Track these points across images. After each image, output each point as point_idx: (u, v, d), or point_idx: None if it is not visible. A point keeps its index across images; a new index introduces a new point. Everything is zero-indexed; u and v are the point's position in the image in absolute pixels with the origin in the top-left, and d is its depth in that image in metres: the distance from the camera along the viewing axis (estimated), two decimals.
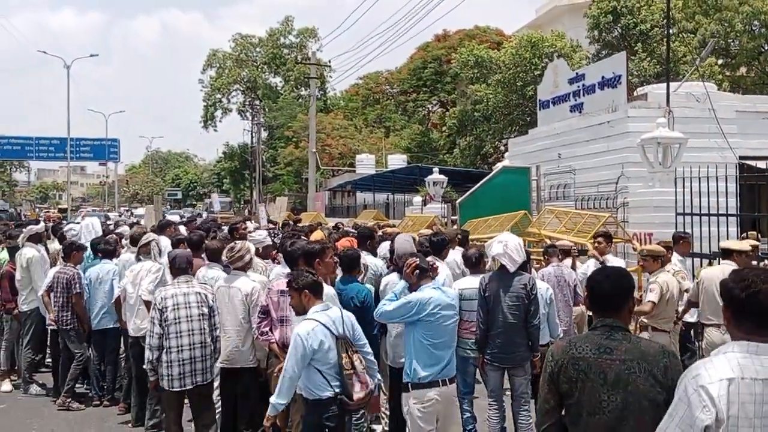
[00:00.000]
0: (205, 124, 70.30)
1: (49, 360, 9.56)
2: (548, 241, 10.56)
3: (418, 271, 5.51)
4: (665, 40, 19.81)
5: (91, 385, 8.68)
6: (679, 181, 11.02)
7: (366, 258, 7.56)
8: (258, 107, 65.47)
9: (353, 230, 11.06)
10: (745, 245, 7.79)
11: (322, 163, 43.48)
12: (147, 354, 6.09)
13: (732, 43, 28.19)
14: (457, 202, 16.88)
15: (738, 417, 2.55)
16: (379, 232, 10.47)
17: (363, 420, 6.48)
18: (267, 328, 6.05)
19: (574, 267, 8.91)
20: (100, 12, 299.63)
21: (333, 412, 4.95)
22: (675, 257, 8.87)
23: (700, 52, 22.65)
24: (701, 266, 10.09)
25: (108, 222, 22.21)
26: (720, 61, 28.01)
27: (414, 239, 7.95)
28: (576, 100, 18.39)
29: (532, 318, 6.45)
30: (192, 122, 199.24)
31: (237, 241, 7.22)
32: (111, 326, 8.44)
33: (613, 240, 10.28)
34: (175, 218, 16.74)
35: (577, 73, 19.05)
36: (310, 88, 40.68)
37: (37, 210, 51.15)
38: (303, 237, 9.35)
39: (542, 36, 30.53)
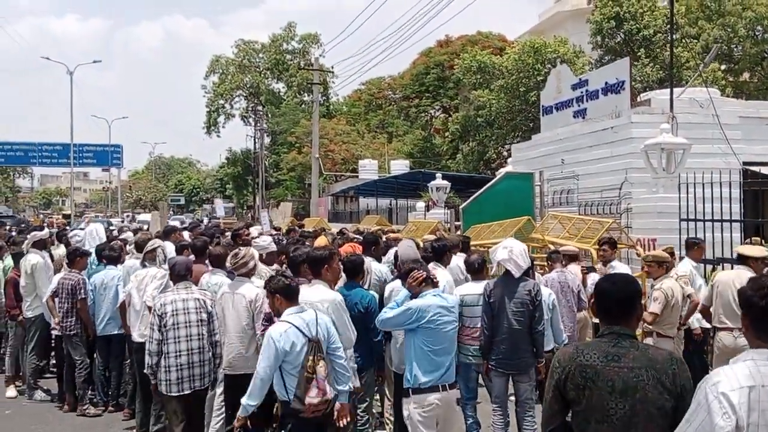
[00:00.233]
0: (208, 129, 70.38)
1: (54, 366, 9.57)
2: (552, 247, 10.56)
3: (420, 281, 5.62)
4: (668, 45, 19.83)
5: (95, 391, 8.69)
6: (682, 187, 11.02)
7: (371, 264, 7.57)
8: (261, 113, 65.54)
9: (357, 236, 11.06)
10: (763, 252, 7.81)
11: (324, 168, 43.51)
12: (146, 359, 6.23)
13: (735, 49, 28.21)
14: (461, 207, 16.86)
15: (758, 425, 2.56)
16: (383, 238, 10.48)
17: (367, 425, 6.48)
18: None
19: (584, 283, 8.87)
20: (103, 18, 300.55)
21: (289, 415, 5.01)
22: (689, 263, 8.86)
23: (704, 58, 22.67)
24: (705, 271, 10.10)
25: (111, 228, 22.25)
26: (723, 67, 28.00)
27: (417, 245, 7.98)
28: (579, 105, 18.39)
29: (537, 324, 6.46)
30: (195, 128, 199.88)
31: (241, 248, 7.22)
32: (116, 332, 8.47)
33: (618, 246, 10.25)
34: (176, 224, 16.76)
35: (580, 79, 19.05)
36: (313, 94, 40.75)
37: (41, 216, 51.14)
38: (307, 243, 9.36)
39: (545, 41, 30.51)
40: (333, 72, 50.81)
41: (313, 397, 4.93)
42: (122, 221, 42.54)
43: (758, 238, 10.86)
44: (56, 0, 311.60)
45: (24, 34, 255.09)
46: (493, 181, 17.08)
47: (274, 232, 15.99)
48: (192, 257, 7.94)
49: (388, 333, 6.53)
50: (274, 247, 8.22)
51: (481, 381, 7.13)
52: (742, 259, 7.75)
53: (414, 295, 5.62)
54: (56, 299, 8.51)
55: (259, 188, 59.82)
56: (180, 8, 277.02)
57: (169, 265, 6.72)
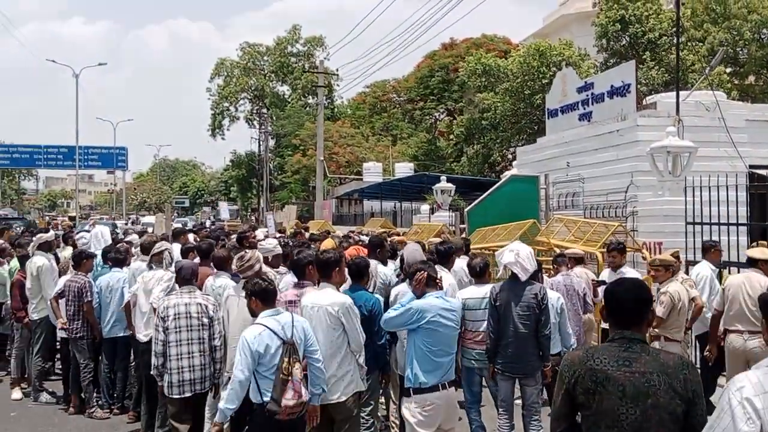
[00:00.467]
0: (213, 132, 70.52)
1: (60, 368, 9.58)
2: (557, 250, 10.53)
3: (424, 282, 5.67)
4: (673, 48, 19.78)
5: (101, 394, 8.69)
6: (688, 190, 10.98)
7: (376, 267, 7.56)
8: (265, 115, 65.60)
9: (364, 237, 11.05)
10: None
11: (329, 171, 43.50)
12: (153, 360, 6.36)
13: (741, 52, 28.16)
14: (466, 210, 16.87)
15: None
16: (388, 241, 10.46)
17: (372, 429, 6.46)
18: None
19: (595, 294, 8.84)
20: (109, 21, 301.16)
21: (260, 418, 5.03)
22: (707, 266, 8.82)
23: (709, 61, 22.62)
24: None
25: (116, 230, 22.29)
26: (729, 70, 27.96)
27: (424, 247, 7.96)
28: (585, 108, 18.36)
29: (543, 328, 6.44)
30: (200, 130, 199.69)
31: (247, 250, 7.22)
32: (121, 335, 8.47)
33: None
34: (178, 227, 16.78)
35: (585, 82, 19.02)
36: (318, 97, 40.77)
37: (46, 218, 51.24)
38: (313, 245, 9.36)
39: (550, 44, 30.52)
40: (338, 75, 50.80)
41: (289, 399, 4.96)
42: (126, 223, 42.62)
43: (765, 242, 10.82)
44: (62, 3, 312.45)
45: (30, 37, 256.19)
46: (498, 183, 17.07)
47: (279, 235, 16.01)
48: (197, 260, 7.94)
49: (394, 336, 6.53)
50: (279, 250, 8.20)
51: (484, 383, 7.11)
52: (752, 262, 7.75)
53: (418, 297, 5.67)
54: (63, 301, 8.53)
55: (264, 191, 59.87)
56: (186, 11, 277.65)
57: (176, 269, 6.81)
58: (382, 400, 7.33)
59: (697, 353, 8.65)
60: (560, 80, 20.56)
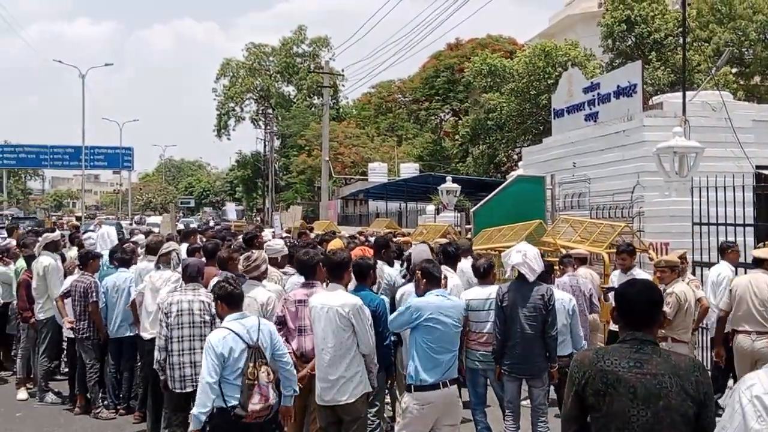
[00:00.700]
0: (219, 132, 70.68)
1: (66, 368, 9.59)
2: (563, 251, 10.51)
3: (425, 280, 5.70)
4: (679, 48, 19.74)
5: (107, 394, 8.70)
6: (695, 191, 10.95)
7: (382, 268, 7.55)
8: (271, 116, 65.68)
9: (371, 240, 11.05)
10: None
11: (334, 171, 43.51)
12: (156, 354, 6.45)
13: (746, 52, 28.08)
14: (472, 210, 16.84)
15: None
16: (395, 240, 10.45)
17: (378, 430, 6.45)
18: (283, 339, 6.04)
19: (606, 298, 8.82)
20: (115, 21, 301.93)
21: (221, 422, 5.01)
22: (727, 266, 8.80)
23: (715, 61, 22.58)
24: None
25: (122, 229, 22.31)
26: (734, 70, 27.88)
27: (431, 248, 7.95)
28: (591, 109, 18.32)
29: (550, 329, 6.43)
30: (205, 131, 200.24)
31: (253, 251, 7.22)
32: (127, 335, 8.48)
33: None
34: (191, 227, 16.79)
35: (591, 82, 18.99)
36: (323, 97, 40.78)
37: (53, 218, 51.35)
38: (319, 246, 9.36)
39: (556, 45, 30.45)
40: (343, 75, 50.93)
41: (255, 403, 4.98)
42: (130, 224, 42.66)
43: None
44: (68, 4, 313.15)
45: (36, 37, 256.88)
46: (504, 184, 17.05)
47: (285, 235, 16.01)
48: (203, 260, 7.95)
49: (399, 337, 6.52)
50: (286, 251, 8.21)
51: (488, 384, 7.10)
52: (758, 263, 7.74)
53: (420, 296, 5.72)
54: (69, 301, 8.54)
55: (269, 191, 59.94)
56: (191, 11, 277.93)
57: (182, 266, 6.88)
58: (388, 400, 7.33)
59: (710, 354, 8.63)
60: (566, 80, 20.53)
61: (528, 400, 6.76)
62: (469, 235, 15.14)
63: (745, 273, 8.40)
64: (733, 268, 8.93)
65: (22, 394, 9.38)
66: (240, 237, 11.89)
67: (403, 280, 7.54)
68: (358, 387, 5.59)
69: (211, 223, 47.22)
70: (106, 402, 8.60)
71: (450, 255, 7.70)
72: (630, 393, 3.13)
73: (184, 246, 9.34)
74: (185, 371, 6.31)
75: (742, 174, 11.07)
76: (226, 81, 69.52)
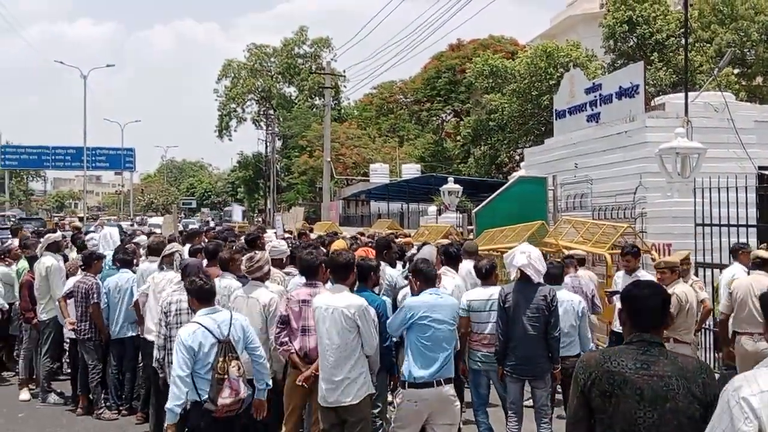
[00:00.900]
0: (220, 133, 70.69)
1: (68, 369, 9.59)
2: (565, 252, 10.51)
3: (418, 281, 5.80)
4: (681, 49, 19.71)
5: (109, 395, 8.70)
6: (697, 192, 10.94)
7: (384, 269, 7.55)
8: (272, 117, 65.66)
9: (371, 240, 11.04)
10: None
11: (336, 172, 43.51)
12: (155, 353, 6.47)
13: (748, 53, 28.04)
14: (474, 211, 16.84)
15: None
16: (396, 241, 10.44)
17: (380, 430, 6.45)
18: (286, 339, 6.04)
19: (610, 301, 8.82)
20: (115, 22, 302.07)
21: (196, 415, 5.09)
22: (740, 268, 8.78)
23: (717, 62, 22.53)
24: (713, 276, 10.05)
25: (124, 230, 22.33)
26: (736, 71, 27.85)
27: (438, 249, 7.98)
28: (593, 109, 18.30)
29: (552, 330, 6.42)
30: (207, 131, 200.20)
31: (256, 251, 7.22)
32: (130, 335, 8.48)
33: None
34: (194, 228, 16.79)
35: (594, 83, 18.97)
36: (325, 98, 40.80)
37: (55, 219, 51.37)
38: (321, 247, 9.35)
39: (557, 45, 30.42)
40: (344, 76, 50.87)
41: (225, 397, 5.04)
42: (131, 225, 42.68)
43: None
44: (69, 4, 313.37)
45: (37, 38, 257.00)
46: (506, 185, 17.06)
47: (286, 236, 16.01)
48: (205, 261, 7.94)
49: (401, 337, 6.52)
50: (288, 251, 8.21)
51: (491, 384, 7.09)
52: (760, 264, 7.71)
53: (415, 296, 5.81)
54: (71, 301, 8.55)
55: (271, 192, 59.92)
56: (192, 12, 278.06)
57: (181, 267, 6.86)
58: (390, 400, 7.32)
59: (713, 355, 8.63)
60: (568, 81, 20.51)
61: (531, 401, 6.76)
62: (471, 236, 15.14)
63: (748, 274, 8.40)
64: (746, 270, 8.91)
65: (25, 394, 9.38)
66: (242, 238, 11.88)
67: (405, 282, 7.54)
68: (362, 388, 5.58)
69: (211, 224, 47.23)
70: (108, 403, 8.60)
71: (451, 256, 7.71)
72: (636, 394, 3.12)
73: (188, 247, 9.33)
74: None
75: (744, 175, 11.05)
76: (227, 82, 69.54)
